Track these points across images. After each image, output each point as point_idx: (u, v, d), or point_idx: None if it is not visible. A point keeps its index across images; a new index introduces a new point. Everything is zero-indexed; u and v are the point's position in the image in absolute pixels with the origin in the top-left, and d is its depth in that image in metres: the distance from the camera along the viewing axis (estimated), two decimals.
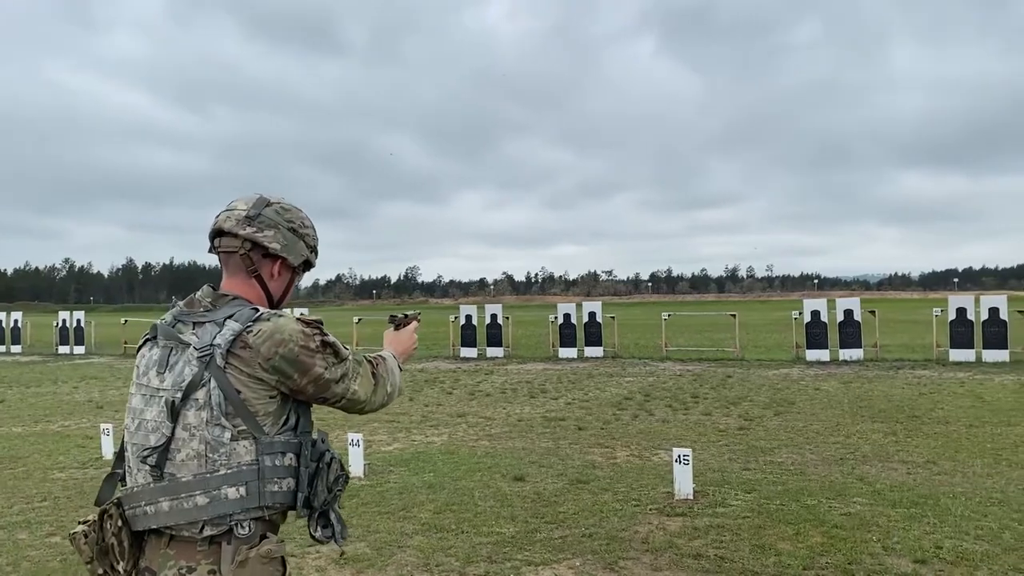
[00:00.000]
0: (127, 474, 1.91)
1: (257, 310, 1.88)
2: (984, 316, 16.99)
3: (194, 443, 1.79)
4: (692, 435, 9.31)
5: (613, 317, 22.63)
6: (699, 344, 23.78)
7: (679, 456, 6.44)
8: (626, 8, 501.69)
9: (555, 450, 8.56)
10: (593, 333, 21.03)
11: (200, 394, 1.80)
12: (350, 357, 1.97)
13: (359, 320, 25.32)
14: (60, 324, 27.44)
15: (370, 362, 2.07)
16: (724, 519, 5.80)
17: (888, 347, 20.02)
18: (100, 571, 1.85)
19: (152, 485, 1.82)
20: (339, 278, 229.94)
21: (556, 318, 21.51)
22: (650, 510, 6.11)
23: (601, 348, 20.88)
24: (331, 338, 1.92)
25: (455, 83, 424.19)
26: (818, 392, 12.90)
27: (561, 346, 21.06)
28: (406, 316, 2.46)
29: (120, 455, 1.95)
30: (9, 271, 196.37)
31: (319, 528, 1.93)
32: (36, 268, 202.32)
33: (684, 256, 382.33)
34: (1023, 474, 7.00)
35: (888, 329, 25.51)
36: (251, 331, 1.83)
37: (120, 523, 1.84)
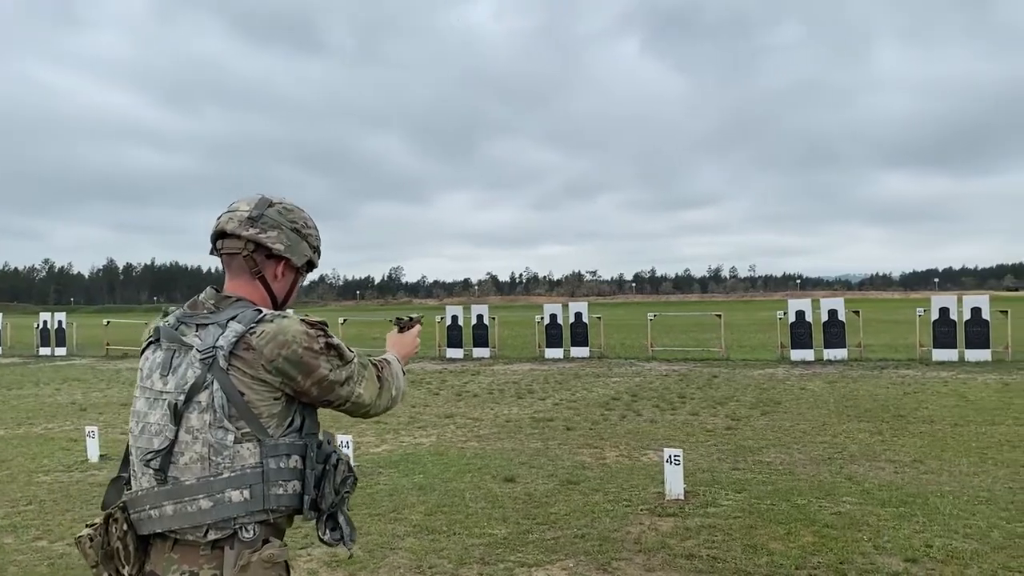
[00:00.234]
0: (132, 478, 1.89)
1: (260, 311, 1.86)
2: (967, 316, 17.14)
3: (197, 446, 1.77)
4: (680, 435, 9.33)
5: (599, 317, 22.67)
6: (684, 344, 23.86)
7: (670, 456, 6.45)
8: (611, 8, 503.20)
9: (544, 451, 8.55)
10: (579, 333, 21.05)
11: (203, 396, 1.78)
12: (355, 360, 1.95)
13: (344, 321, 25.23)
14: (41, 325, 27.12)
15: (375, 365, 2.06)
16: (715, 519, 5.82)
17: (872, 347, 20.17)
18: (105, 575, 1.83)
19: (156, 489, 1.80)
20: (322, 279, 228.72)
21: (542, 318, 21.52)
22: (641, 510, 6.12)
23: (587, 348, 20.91)
24: (335, 340, 1.90)
25: (440, 83, 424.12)
26: (804, 392, 12.97)
27: (547, 346, 21.07)
28: (411, 319, 2.45)
29: (125, 459, 1.94)
30: None
31: (327, 531, 1.91)
32: (15, 269, 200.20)
33: (667, 256, 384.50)
34: (1009, 473, 7.06)
35: (871, 329, 25.68)
36: (254, 332, 1.81)
37: (125, 527, 1.82)
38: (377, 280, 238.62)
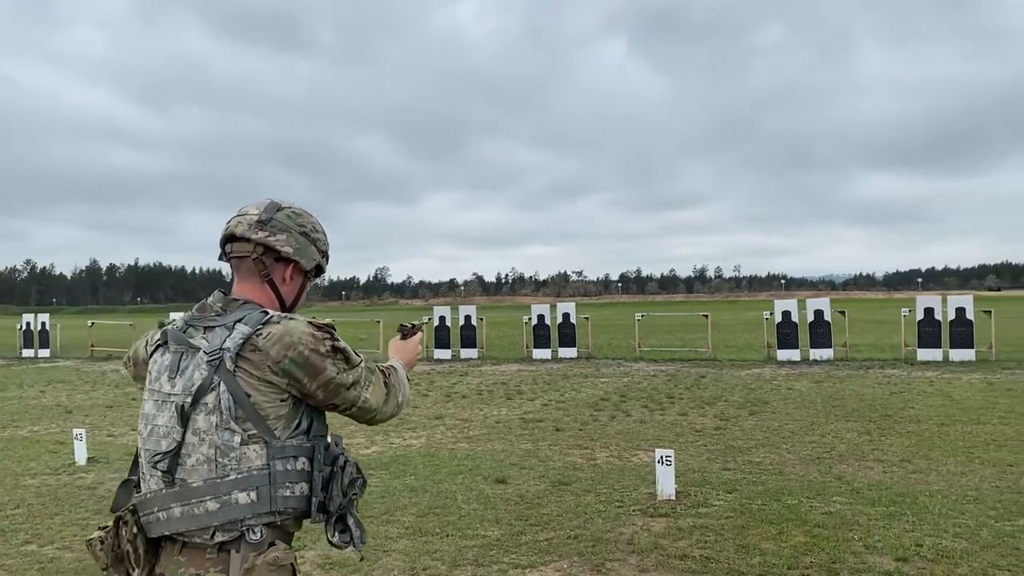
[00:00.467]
0: (141, 480, 1.89)
1: (267, 313, 1.87)
2: (951, 316, 17.29)
3: (204, 448, 1.78)
4: (670, 435, 9.36)
5: (587, 318, 22.72)
6: (671, 344, 23.93)
7: (661, 457, 6.47)
8: (596, 9, 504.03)
9: (535, 452, 8.56)
10: (567, 334, 21.09)
11: (210, 398, 1.78)
12: (362, 364, 1.96)
13: (331, 322, 25.13)
14: (24, 327, 26.90)
15: (383, 371, 2.07)
16: (707, 519, 5.84)
17: (857, 347, 20.30)
18: None
19: (164, 491, 1.80)
20: None
21: (530, 319, 21.54)
22: (633, 511, 6.13)
23: (575, 349, 20.95)
24: (342, 344, 1.91)
25: (426, 83, 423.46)
26: (791, 392, 13.04)
27: (535, 347, 21.09)
28: (413, 326, 2.44)
29: (135, 461, 1.94)
30: None
31: (336, 533, 1.92)
32: None
33: (653, 256, 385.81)
34: (996, 472, 7.13)
35: (856, 329, 25.85)
36: (260, 334, 1.82)
37: (135, 530, 1.82)
38: (363, 281, 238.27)
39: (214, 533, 1.77)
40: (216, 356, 1.80)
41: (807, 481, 6.94)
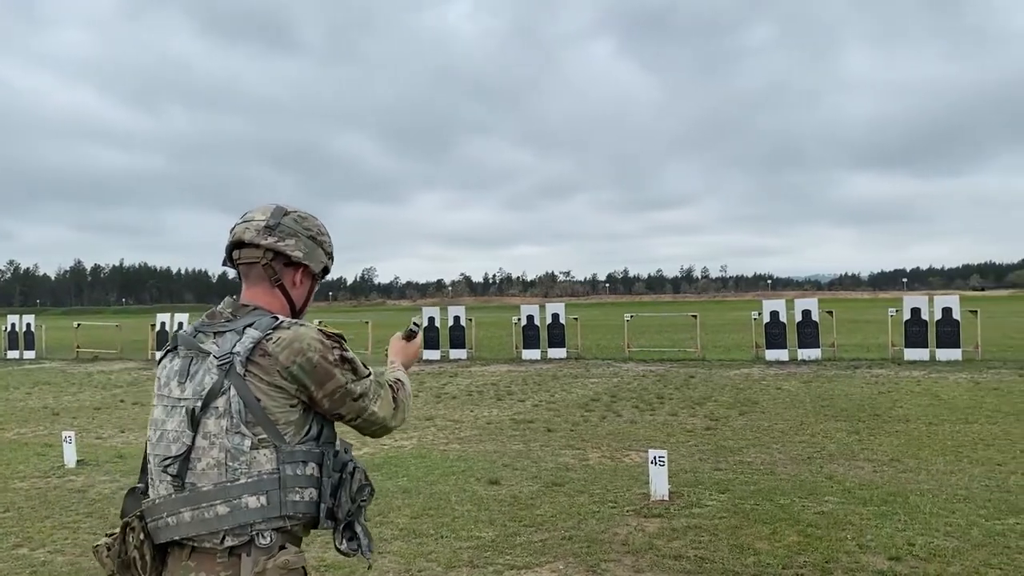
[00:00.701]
0: (150, 486, 1.89)
1: (277, 318, 1.88)
2: (938, 316, 17.42)
3: (214, 452, 1.78)
4: (661, 436, 9.39)
5: (576, 318, 22.75)
6: (659, 344, 24.00)
7: (655, 457, 6.49)
8: (585, 9, 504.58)
9: (527, 453, 8.57)
10: (556, 334, 21.10)
11: (220, 402, 1.78)
12: (371, 377, 1.97)
13: (319, 323, 25.05)
14: (8, 328, 26.68)
15: (391, 387, 2.07)
16: (701, 519, 5.87)
17: (844, 347, 20.41)
18: None
19: (173, 496, 1.80)
20: None
21: (519, 319, 21.54)
22: (627, 512, 6.15)
23: (564, 349, 20.96)
24: (351, 354, 1.92)
25: (414, 83, 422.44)
26: (780, 392, 13.11)
27: (524, 348, 21.09)
28: (416, 327, 2.45)
29: (144, 468, 1.94)
30: None
31: (345, 540, 1.91)
32: None
33: (640, 257, 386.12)
34: (985, 471, 7.19)
35: (843, 329, 25.98)
36: (271, 339, 1.82)
37: (143, 536, 1.82)
38: (350, 281, 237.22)
39: (224, 537, 1.77)
40: (226, 360, 1.80)
41: (799, 481, 6.98)
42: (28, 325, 26.32)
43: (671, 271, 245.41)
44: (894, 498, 6.30)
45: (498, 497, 6.67)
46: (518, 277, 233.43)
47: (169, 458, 1.81)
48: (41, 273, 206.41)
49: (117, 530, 1.85)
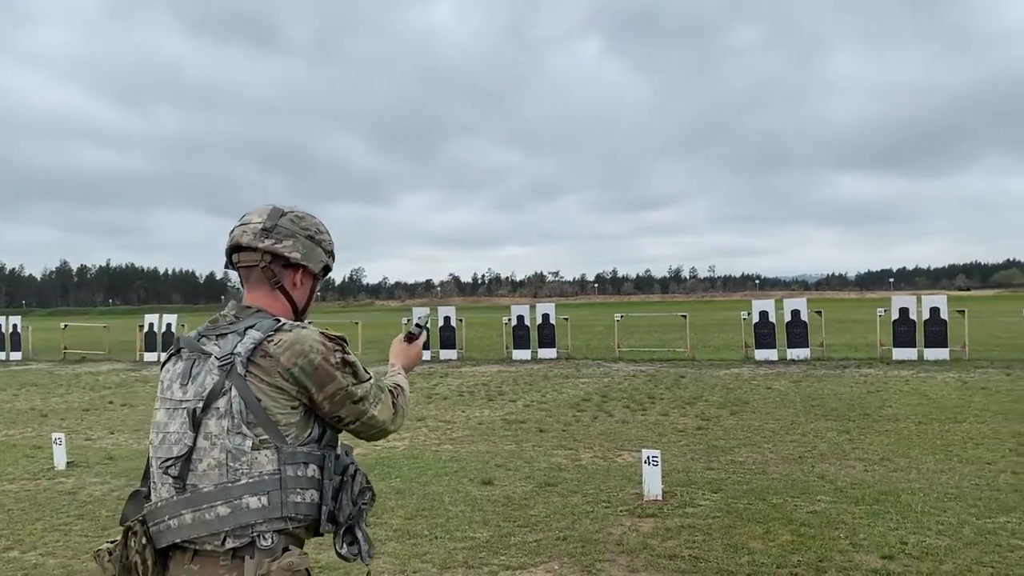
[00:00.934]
0: (152, 490, 1.88)
1: (279, 320, 1.88)
2: (925, 316, 17.53)
3: (215, 452, 1.77)
4: (652, 435, 9.41)
5: (567, 319, 22.77)
6: (649, 344, 24.05)
7: (648, 457, 6.50)
8: (572, 10, 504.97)
9: (519, 453, 8.57)
10: (546, 335, 21.13)
11: (221, 403, 1.78)
12: (371, 381, 1.97)
13: (309, 323, 24.98)
14: None
15: (391, 392, 2.07)
16: (695, 519, 5.88)
17: (833, 346, 20.51)
18: None
19: (175, 498, 1.79)
20: None
21: (509, 320, 21.54)
22: (621, 512, 6.16)
23: (554, 349, 20.98)
24: (352, 357, 1.92)
25: (402, 83, 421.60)
26: (770, 391, 13.16)
27: (514, 348, 21.09)
28: (418, 327, 2.44)
29: (146, 472, 1.93)
30: None
31: (345, 545, 1.90)
32: None
33: (628, 257, 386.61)
34: (974, 470, 7.24)
35: (831, 329, 26.10)
36: (272, 340, 1.82)
37: (144, 540, 1.80)
38: (338, 281, 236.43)
39: (225, 539, 1.75)
40: (228, 360, 1.79)
41: (791, 480, 7.01)
42: (14, 326, 26.13)
43: (659, 271, 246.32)
44: (886, 497, 6.34)
45: (492, 497, 6.66)
46: (507, 277, 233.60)
47: (171, 459, 1.80)
48: (27, 274, 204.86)
49: (119, 536, 1.83)
